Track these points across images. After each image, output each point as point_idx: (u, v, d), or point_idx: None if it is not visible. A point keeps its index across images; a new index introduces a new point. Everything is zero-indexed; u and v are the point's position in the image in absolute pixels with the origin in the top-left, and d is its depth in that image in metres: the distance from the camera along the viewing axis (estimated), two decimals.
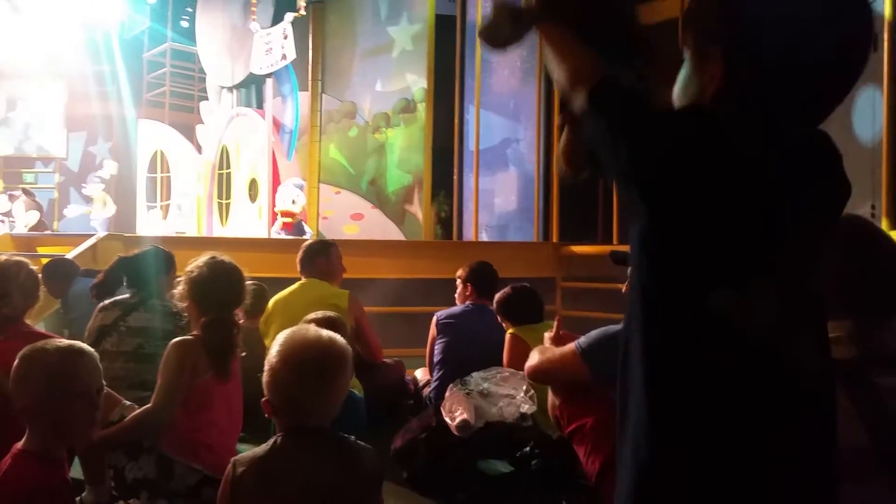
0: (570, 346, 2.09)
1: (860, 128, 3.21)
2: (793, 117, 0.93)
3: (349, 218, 8.00)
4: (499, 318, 3.08)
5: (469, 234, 6.76)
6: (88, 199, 10.46)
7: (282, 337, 1.59)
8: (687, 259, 0.90)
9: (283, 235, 6.93)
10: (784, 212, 0.90)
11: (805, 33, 0.88)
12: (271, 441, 1.53)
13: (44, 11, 10.79)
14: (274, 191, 8.13)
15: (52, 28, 10.75)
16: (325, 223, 8.01)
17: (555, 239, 5.58)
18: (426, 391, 3.32)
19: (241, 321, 3.69)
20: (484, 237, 6.76)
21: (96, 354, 1.76)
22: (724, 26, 0.93)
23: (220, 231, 9.35)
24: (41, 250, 6.97)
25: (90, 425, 1.75)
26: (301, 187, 7.19)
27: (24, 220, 8.67)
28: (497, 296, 3.08)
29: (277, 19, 8.00)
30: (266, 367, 1.56)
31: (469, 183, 6.85)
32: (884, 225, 2.69)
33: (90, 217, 9.82)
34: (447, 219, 7.37)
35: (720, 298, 0.87)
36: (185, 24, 11.24)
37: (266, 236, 7.28)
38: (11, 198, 9.11)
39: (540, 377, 2.23)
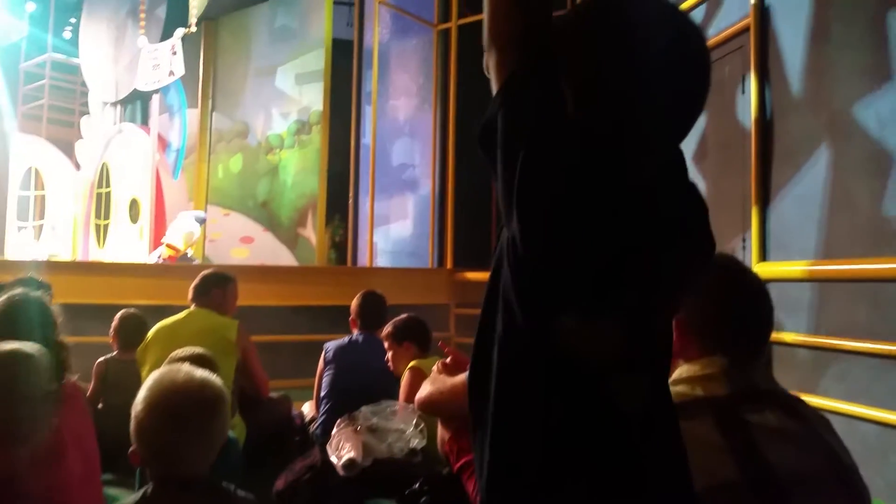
0: (462, 376, 2.05)
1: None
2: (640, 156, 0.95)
3: (238, 241, 7.72)
4: (388, 349, 3.00)
5: (364, 260, 6.67)
6: None
7: (150, 380, 1.46)
8: (543, 280, 0.90)
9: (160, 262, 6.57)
10: (646, 249, 0.91)
11: (646, 84, 0.91)
12: (141, 492, 1.41)
13: None
14: (158, 211, 7.73)
15: None
16: (213, 246, 7.71)
17: (449, 265, 5.58)
18: (313, 427, 3.19)
19: (113, 354, 3.47)
20: (380, 262, 6.69)
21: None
22: (573, 65, 0.95)
23: (96, 253, 8.78)
24: None
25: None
26: (202, 220, 6.81)
27: None
28: (389, 326, 3.01)
29: (167, 34, 7.67)
30: (133, 414, 1.42)
31: (365, 207, 6.78)
32: (753, 257, 2.84)
33: None
34: (342, 243, 7.27)
35: (565, 324, 0.88)
36: (67, 34, 10.61)
37: (146, 260, 6.88)
38: None
39: (430, 409, 2.16)
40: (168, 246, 6.56)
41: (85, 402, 2.50)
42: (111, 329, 3.54)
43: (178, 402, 1.42)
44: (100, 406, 3.30)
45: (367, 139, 7.02)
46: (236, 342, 3.21)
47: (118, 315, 3.56)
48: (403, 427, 2.55)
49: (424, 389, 2.15)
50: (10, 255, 9.14)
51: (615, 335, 0.88)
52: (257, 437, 3.14)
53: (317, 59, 7.56)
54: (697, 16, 3.54)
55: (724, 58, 3.31)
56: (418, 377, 2.80)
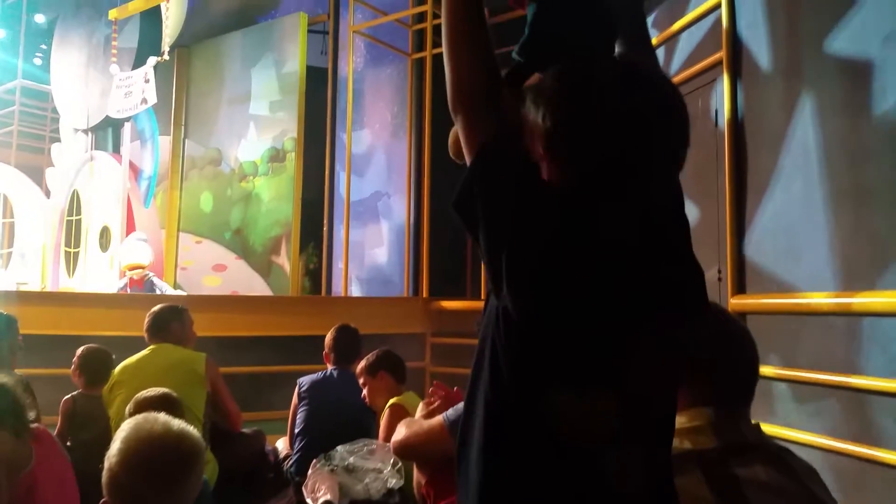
0: (438, 419, 2.01)
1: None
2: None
3: (210, 269, 7.60)
4: (363, 384, 2.95)
5: (339, 288, 6.60)
6: None
7: (125, 431, 1.40)
8: (535, 350, 0.91)
9: (132, 290, 6.40)
10: (632, 306, 0.91)
11: (611, 134, 0.93)
12: None
13: None
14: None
15: None
16: (184, 274, 7.58)
17: (425, 294, 5.54)
18: (287, 464, 3.11)
19: (79, 390, 3.36)
20: (354, 290, 6.62)
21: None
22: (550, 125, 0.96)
23: (66, 282, 8.59)
24: None
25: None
26: (144, 240, 6.63)
27: None
28: (362, 361, 2.96)
29: (140, 62, 7.61)
30: (106, 466, 1.37)
31: (339, 235, 6.72)
32: (728, 290, 2.85)
33: None
34: (316, 271, 7.19)
35: (555, 396, 0.88)
36: (38, 61, 10.49)
37: (116, 290, 6.73)
38: None
39: (407, 453, 2.12)
40: (131, 267, 6.37)
41: (57, 443, 2.41)
42: (73, 365, 3.43)
43: (155, 456, 1.38)
44: (69, 443, 3.20)
45: (341, 166, 7.00)
46: (205, 375, 3.14)
47: (80, 351, 3.46)
48: (381, 466, 2.50)
49: (400, 433, 2.11)
50: None
51: (608, 406, 0.87)
52: (229, 473, 3.05)
53: (291, 87, 7.53)
54: (669, 48, 3.59)
55: (696, 91, 3.35)
56: (398, 415, 2.75)
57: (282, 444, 3.37)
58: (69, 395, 3.35)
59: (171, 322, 3.32)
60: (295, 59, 7.50)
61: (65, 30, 9.62)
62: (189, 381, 3.08)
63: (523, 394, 0.91)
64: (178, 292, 6.63)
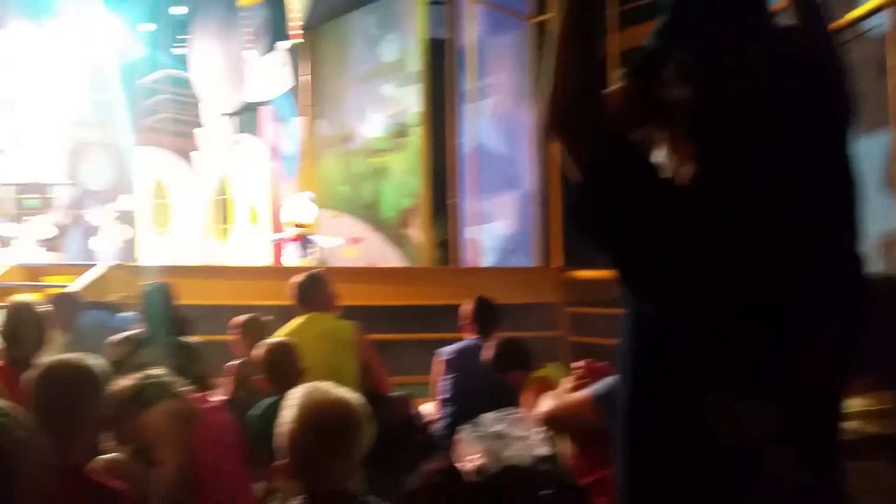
0: (585, 392, 2.04)
1: None
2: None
3: (348, 242, 7.98)
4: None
5: (468, 259, 6.74)
6: (95, 228, 10.34)
7: (296, 399, 1.56)
8: (679, 357, 0.89)
9: (287, 245, 6.76)
10: (789, 306, 0.88)
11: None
12: None
13: (47, 42, 10.84)
14: (274, 216, 8.10)
15: (55, 57, 10.79)
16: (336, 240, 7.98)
17: (556, 263, 5.54)
18: (434, 429, 3.28)
19: (244, 357, 3.66)
20: (484, 261, 6.73)
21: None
22: (699, 128, 0.93)
23: (220, 257, 9.32)
24: (47, 280, 6.92)
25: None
26: (312, 199, 7.02)
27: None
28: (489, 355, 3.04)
29: (272, 47, 8.01)
30: (282, 431, 1.53)
31: (468, 206, 6.84)
32: None
33: (98, 245, 9.65)
34: (446, 242, 7.35)
35: (709, 404, 0.86)
36: (180, 51, 11.26)
37: (267, 263, 7.23)
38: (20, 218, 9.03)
39: (552, 424, 2.17)
40: (297, 224, 6.77)
41: (224, 404, 2.68)
42: (235, 333, 3.70)
43: (327, 422, 1.53)
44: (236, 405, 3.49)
45: (466, 138, 7.07)
46: (355, 342, 3.33)
47: (241, 319, 3.72)
48: (530, 435, 2.57)
49: (545, 405, 2.16)
50: (144, 260, 9.82)
51: (770, 409, 0.86)
52: (380, 434, 3.23)
53: (414, 61, 7.65)
54: None
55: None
56: (542, 388, 2.81)
57: (427, 409, 3.54)
58: (236, 361, 3.64)
59: (310, 291, 3.52)
60: (416, 33, 7.60)
61: (203, 20, 10.26)
62: (341, 348, 3.30)
63: (675, 395, 0.90)
64: (336, 240, 6.93)
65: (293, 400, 1.58)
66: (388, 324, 5.00)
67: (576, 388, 2.14)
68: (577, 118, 0.97)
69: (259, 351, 2.89)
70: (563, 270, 5.46)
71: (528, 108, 6.56)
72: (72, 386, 1.66)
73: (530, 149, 6.49)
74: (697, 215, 0.88)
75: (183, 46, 11.02)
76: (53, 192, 11.17)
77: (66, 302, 4.26)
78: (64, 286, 5.84)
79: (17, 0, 10.93)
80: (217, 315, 4.88)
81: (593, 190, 0.95)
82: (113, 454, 2.06)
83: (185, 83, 11.00)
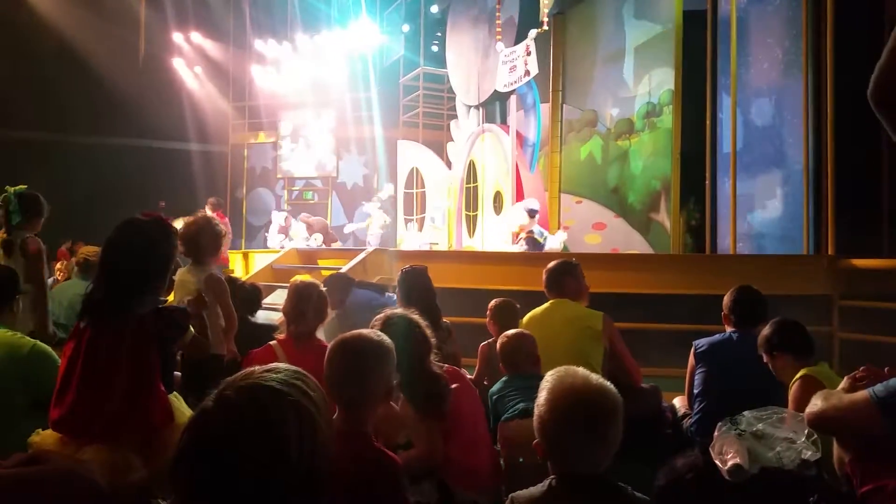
0: (863, 393, 1.81)
1: None
2: None
3: (591, 227, 7.89)
4: (767, 362, 2.78)
5: (724, 245, 6.28)
6: (364, 216, 11.45)
7: (549, 383, 1.58)
8: None
9: (523, 247, 6.99)
10: None
11: None
12: (546, 483, 1.55)
13: (315, 48, 12.28)
14: (518, 202, 8.30)
15: (322, 61, 12.18)
16: (567, 232, 8.00)
17: (829, 251, 4.94)
18: (686, 423, 3.12)
19: (493, 338, 3.81)
20: (742, 248, 6.23)
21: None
22: None
23: (467, 241, 9.79)
24: (321, 263, 7.87)
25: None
26: (532, 211, 7.12)
27: (310, 241, 9.74)
28: (763, 333, 2.79)
29: (521, 36, 8.16)
30: (536, 412, 1.56)
31: (724, 188, 6.37)
32: None
33: (366, 232, 10.68)
34: (698, 228, 6.93)
35: None
36: (435, 48, 11.99)
37: (510, 249, 7.43)
38: (288, 218, 10.32)
39: (824, 427, 1.96)
40: (521, 228, 7.02)
41: (472, 385, 2.82)
42: (488, 315, 3.86)
43: (578, 405, 1.52)
44: (485, 383, 3.65)
45: (724, 115, 6.58)
46: (602, 332, 3.29)
47: (495, 302, 3.87)
48: (793, 436, 2.34)
49: (816, 404, 1.95)
50: (401, 244, 10.69)
51: None
52: (629, 426, 3.17)
53: (665, 37, 7.31)
54: None
55: None
56: (811, 386, 2.55)
57: (679, 403, 3.38)
58: (486, 343, 3.80)
59: (562, 278, 3.54)
60: (670, 6, 7.24)
61: (455, 16, 10.79)
62: (586, 336, 3.28)
63: None
64: (558, 235, 7.02)
65: (546, 382, 1.60)
66: (634, 312, 4.87)
67: (852, 389, 1.90)
68: None
69: (500, 339, 2.99)
70: (837, 259, 4.85)
71: (799, 80, 5.91)
72: (362, 360, 1.79)
73: (800, 124, 5.85)
74: None
75: (438, 43, 11.72)
76: (326, 185, 12.63)
77: (337, 282, 4.77)
78: (337, 269, 6.59)
79: (297, 17, 12.46)
80: (467, 298, 5.15)
81: None
82: None
83: (439, 78, 11.70)
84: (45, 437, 2.06)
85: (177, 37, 13.18)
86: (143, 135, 12.91)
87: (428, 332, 2.48)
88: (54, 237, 8.58)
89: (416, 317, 2.50)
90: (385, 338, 1.91)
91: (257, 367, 1.08)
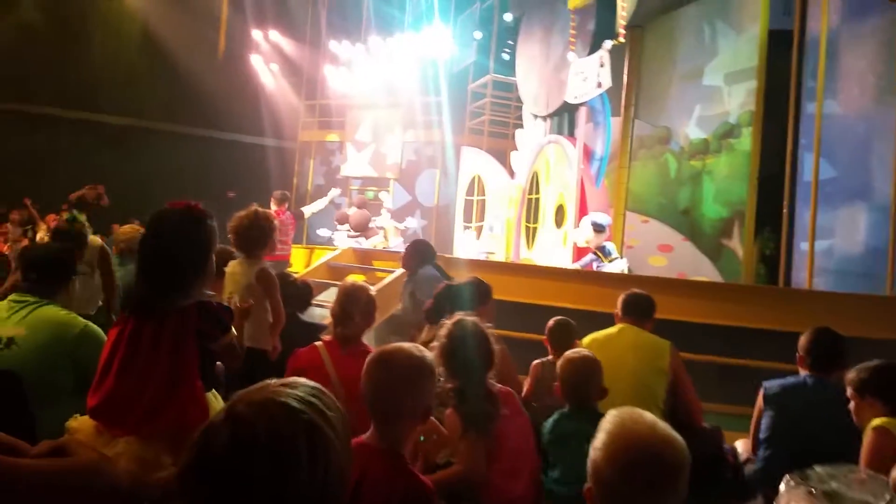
0: None
1: None
2: None
3: (656, 249, 7.61)
4: (851, 401, 2.54)
5: (800, 279, 5.93)
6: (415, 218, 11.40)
7: (609, 424, 1.42)
8: None
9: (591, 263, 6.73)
10: None
11: None
12: None
13: (388, 50, 12.35)
14: (579, 219, 8.07)
15: (394, 64, 12.23)
16: (631, 252, 7.73)
17: None
18: (748, 468, 2.90)
19: (549, 357, 3.65)
20: (818, 283, 5.87)
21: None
22: None
23: (525, 254, 9.59)
24: (376, 265, 7.84)
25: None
26: (599, 227, 6.85)
27: (370, 244, 9.74)
28: (851, 372, 2.55)
29: (595, 47, 7.95)
30: (591, 454, 1.41)
31: (803, 218, 6.02)
32: None
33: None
34: (773, 257, 6.57)
35: None
36: (506, 56, 11.87)
37: (569, 265, 7.22)
38: (360, 205, 10.30)
39: None
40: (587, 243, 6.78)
41: (520, 403, 2.67)
42: (546, 333, 3.71)
43: (641, 462, 1.34)
44: (534, 404, 3.51)
45: (807, 140, 6.23)
46: (668, 363, 3.11)
47: (553, 321, 3.72)
48: (872, 500, 2.11)
49: None
50: (457, 252, 10.59)
51: None
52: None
53: (748, 56, 7.00)
54: None
55: None
56: (886, 441, 2.33)
57: (741, 447, 3.15)
58: (539, 361, 3.65)
59: (636, 305, 3.36)
60: (755, 24, 6.93)
61: (529, 24, 10.63)
62: (651, 366, 3.11)
63: None
64: (619, 263, 6.74)
65: (607, 423, 1.44)
66: (696, 343, 4.62)
67: None
68: None
69: (563, 361, 2.74)
70: None
71: (892, 107, 5.55)
72: (400, 375, 1.72)
73: (891, 156, 5.48)
74: None
75: (510, 51, 11.60)
76: (387, 185, 12.67)
77: (422, 250, 5.10)
78: (391, 271, 6.53)
79: (371, 19, 12.56)
80: (520, 312, 5.00)
81: None
82: None
83: (508, 87, 11.57)
84: (81, 423, 2.04)
85: (255, 34, 13.47)
86: (216, 126, 13.23)
87: (495, 347, 2.38)
88: (122, 219, 8.89)
89: (487, 327, 2.41)
90: (427, 354, 1.82)
91: (274, 381, 1.00)
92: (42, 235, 7.93)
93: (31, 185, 9.10)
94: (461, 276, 4.25)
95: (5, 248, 7.98)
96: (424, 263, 4.97)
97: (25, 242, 7.63)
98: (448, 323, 2.38)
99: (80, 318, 2.61)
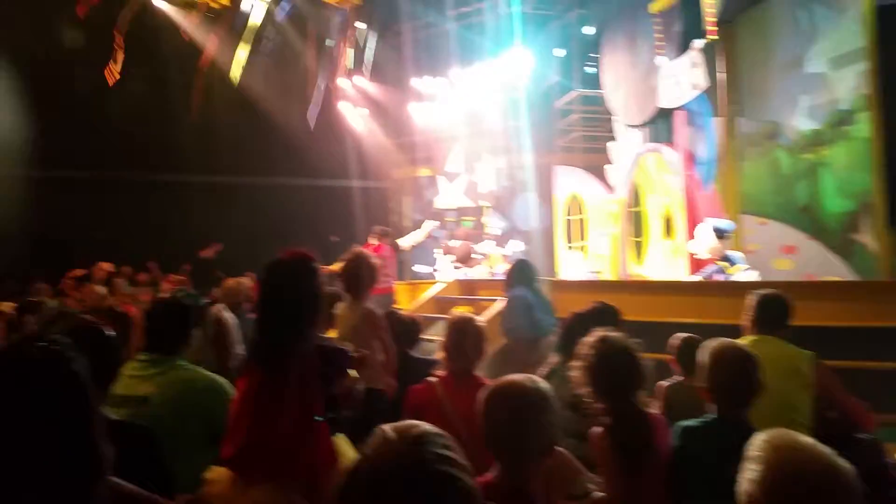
0: None
1: None
2: None
3: (779, 251, 7.14)
4: None
5: None
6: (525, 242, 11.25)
7: (764, 450, 1.26)
8: None
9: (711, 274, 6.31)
10: None
11: None
12: None
13: (470, 80, 12.42)
14: (691, 225, 7.71)
15: (477, 92, 12.28)
16: (752, 258, 7.30)
17: None
18: None
19: (678, 379, 3.42)
20: None
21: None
22: None
23: (635, 269, 9.27)
24: (481, 294, 7.78)
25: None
26: (721, 232, 6.42)
27: (471, 273, 9.76)
28: None
29: (684, 48, 7.67)
30: (745, 485, 1.26)
31: None
32: None
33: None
34: None
35: None
36: (590, 69, 11.67)
37: (684, 277, 6.89)
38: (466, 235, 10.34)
39: None
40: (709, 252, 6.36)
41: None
42: (672, 352, 3.51)
43: (805, 497, 1.20)
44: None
45: None
46: (811, 376, 2.84)
47: (679, 338, 3.51)
48: None
49: None
50: (563, 273, 10.38)
51: None
52: None
53: (854, 36, 6.54)
54: None
55: None
56: None
57: None
58: (668, 383, 3.44)
59: (769, 311, 3.10)
60: (856, 3, 6.49)
61: (610, 34, 10.42)
62: (792, 380, 2.85)
63: None
64: (751, 274, 6.29)
65: (760, 451, 1.29)
66: (839, 349, 4.24)
67: None
68: None
69: (712, 354, 2.32)
70: None
71: None
72: (521, 411, 1.65)
73: None
74: None
75: (594, 65, 11.40)
76: (482, 214, 12.63)
77: (525, 270, 5.13)
78: (494, 299, 6.43)
79: (452, 51, 12.69)
80: (638, 331, 4.74)
81: None
82: None
83: (596, 100, 11.35)
84: (218, 474, 2.07)
85: (342, 82, 13.92)
86: (313, 174, 13.69)
87: (643, 364, 2.22)
88: (237, 273, 9.26)
89: (635, 343, 2.26)
90: (542, 384, 1.73)
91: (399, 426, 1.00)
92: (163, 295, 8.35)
93: (153, 247, 9.64)
94: (573, 299, 4.11)
95: (132, 308, 8.46)
96: (519, 284, 4.94)
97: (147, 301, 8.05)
98: (592, 339, 2.25)
99: (205, 372, 2.66)
